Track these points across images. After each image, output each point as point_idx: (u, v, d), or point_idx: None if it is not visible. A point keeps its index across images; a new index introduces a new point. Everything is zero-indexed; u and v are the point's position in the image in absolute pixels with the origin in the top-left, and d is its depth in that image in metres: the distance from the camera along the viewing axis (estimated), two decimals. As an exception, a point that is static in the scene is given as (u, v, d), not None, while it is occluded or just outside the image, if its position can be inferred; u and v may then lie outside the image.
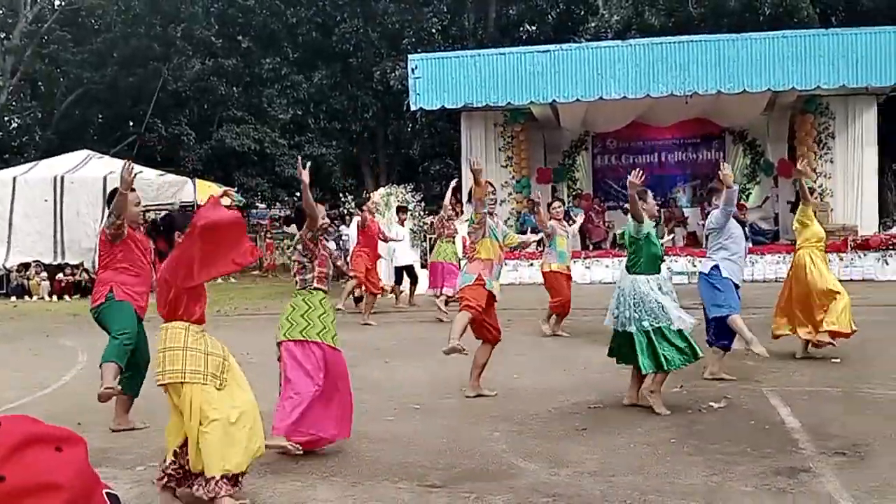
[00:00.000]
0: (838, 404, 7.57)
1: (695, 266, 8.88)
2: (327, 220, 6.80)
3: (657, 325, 7.25)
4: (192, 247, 5.00)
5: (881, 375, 8.68)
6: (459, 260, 14.98)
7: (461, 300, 8.04)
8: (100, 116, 36.73)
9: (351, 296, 15.34)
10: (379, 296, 15.02)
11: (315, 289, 6.37)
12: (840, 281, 10.27)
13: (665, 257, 8.31)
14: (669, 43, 20.39)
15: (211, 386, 5.05)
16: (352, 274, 14.08)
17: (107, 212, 7.07)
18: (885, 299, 15.30)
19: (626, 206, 8.69)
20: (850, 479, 5.49)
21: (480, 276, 7.99)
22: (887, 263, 19.56)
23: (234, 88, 36.18)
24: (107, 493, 1.70)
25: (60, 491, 1.56)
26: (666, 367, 7.29)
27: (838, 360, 9.47)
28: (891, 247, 19.62)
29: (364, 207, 15.95)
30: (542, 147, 24.55)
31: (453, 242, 15.62)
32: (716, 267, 8.66)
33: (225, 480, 4.95)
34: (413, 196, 20.43)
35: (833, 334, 9.45)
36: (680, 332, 7.27)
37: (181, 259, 5.09)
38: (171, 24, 33.18)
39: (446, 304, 14.24)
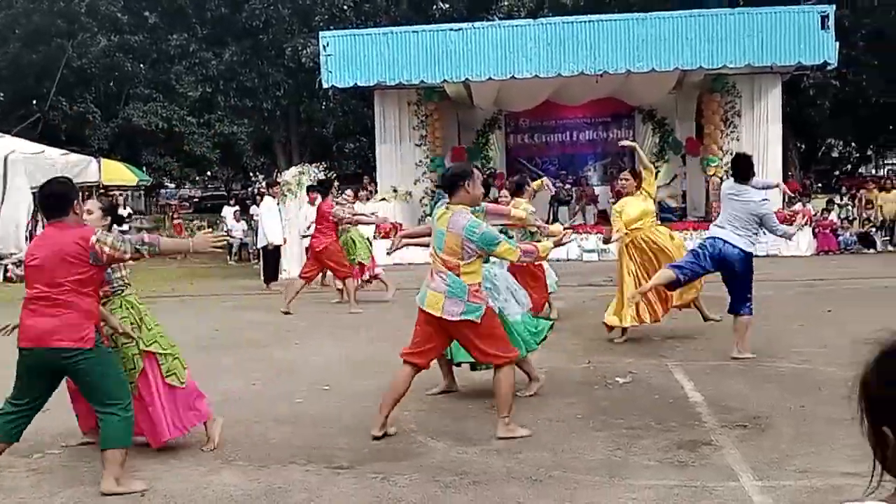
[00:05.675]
0: (741, 378, 7.74)
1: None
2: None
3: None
4: None
5: (783, 349, 8.90)
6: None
7: None
8: (1, 95, 35.51)
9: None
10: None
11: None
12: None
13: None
14: (580, 22, 20.50)
15: None
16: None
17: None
18: (789, 275, 15.73)
19: None
20: (751, 452, 5.63)
21: None
22: (790, 240, 20.03)
23: (141, 65, 35.37)
24: None
25: None
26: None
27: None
28: (794, 223, 20.10)
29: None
30: (455, 126, 24.57)
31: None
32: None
33: None
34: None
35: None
36: None
37: None
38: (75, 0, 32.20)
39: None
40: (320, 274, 14.10)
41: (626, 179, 9.98)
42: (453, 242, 6.00)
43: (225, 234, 12.10)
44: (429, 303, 6.09)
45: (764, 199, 8.62)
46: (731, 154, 21.81)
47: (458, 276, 6.01)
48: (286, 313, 12.61)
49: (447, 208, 6.17)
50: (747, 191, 8.48)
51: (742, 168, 8.60)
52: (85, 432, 6.10)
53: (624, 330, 9.68)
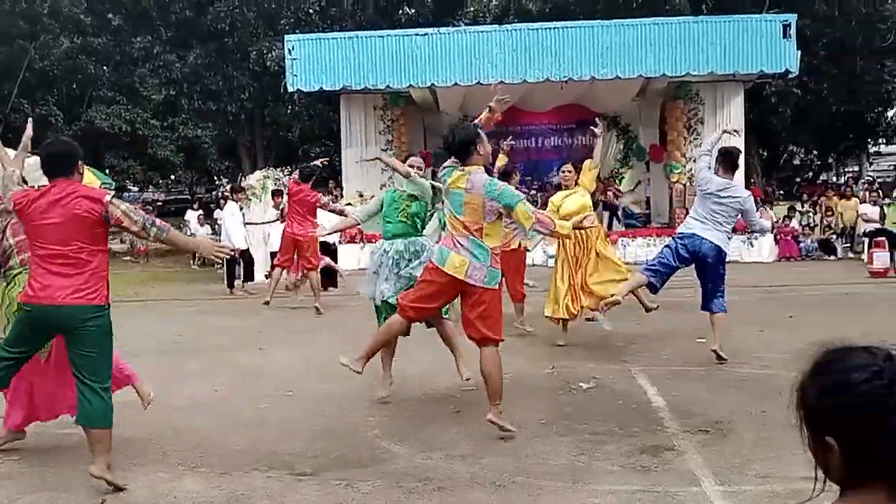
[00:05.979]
0: (703, 383, 7.80)
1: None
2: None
3: None
4: None
5: (744, 354, 8.97)
6: None
7: None
8: (-39, 97, 35.02)
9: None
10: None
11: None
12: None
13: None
14: (545, 29, 20.63)
15: None
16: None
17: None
18: (751, 281, 15.87)
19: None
20: (712, 457, 5.67)
21: None
22: (752, 245, 20.30)
23: (105, 68, 34.98)
24: None
25: None
26: None
27: (704, 340, 9.73)
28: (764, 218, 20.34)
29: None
30: (422, 131, 24.56)
31: None
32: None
33: None
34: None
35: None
36: None
37: None
38: (37, 1, 31.79)
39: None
40: (284, 272, 14.14)
41: (569, 171, 9.91)
42: (474, 202, 6.01)
43: (231, 250, 12.23)
44: (451, 264, 6.06)
45: (749, 195, 8.76)
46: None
47: (480, 238, 6.03)
48: (266, 303, 13.32)
49: (462, 170, 6.16)
50: (734, 186, 8.59)
51: (731, 163, 8.63)
52: (11, 430, 6.00)
53: (564, 322, 9.71)
